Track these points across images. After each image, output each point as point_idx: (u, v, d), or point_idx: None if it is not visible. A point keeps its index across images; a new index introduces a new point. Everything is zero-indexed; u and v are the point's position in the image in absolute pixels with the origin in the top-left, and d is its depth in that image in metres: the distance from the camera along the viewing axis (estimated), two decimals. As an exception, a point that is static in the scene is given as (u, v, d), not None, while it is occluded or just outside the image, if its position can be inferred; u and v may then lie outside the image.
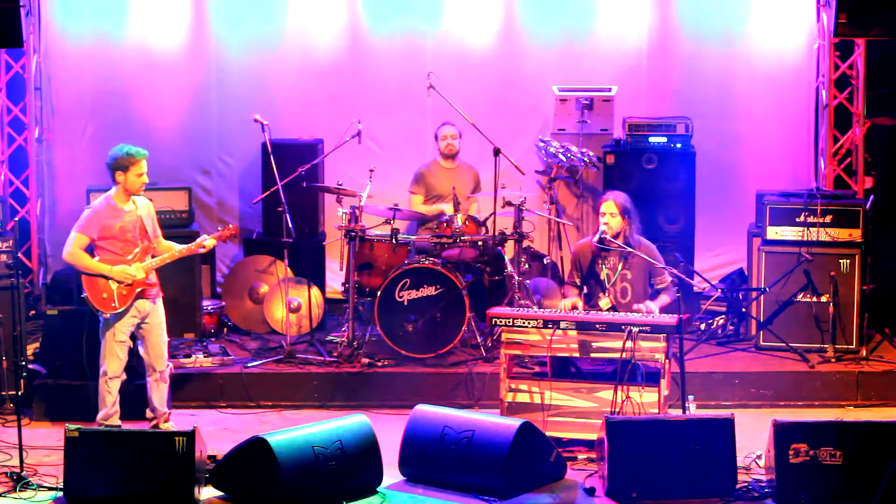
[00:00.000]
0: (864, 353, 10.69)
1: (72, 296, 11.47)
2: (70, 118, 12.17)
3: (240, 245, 12.18)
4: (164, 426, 9.38)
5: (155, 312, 9.33)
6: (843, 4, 10.75)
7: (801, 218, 10.81)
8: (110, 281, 9.13)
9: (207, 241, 9.43)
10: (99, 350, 9.28)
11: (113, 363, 9.23)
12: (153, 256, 9.29)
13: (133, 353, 9.38)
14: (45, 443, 9.32)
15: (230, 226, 9.70)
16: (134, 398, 9.83)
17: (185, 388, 10.20)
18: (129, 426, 9.23)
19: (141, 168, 9.22)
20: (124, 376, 9.34)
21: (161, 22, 12.11)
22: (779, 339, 10.76)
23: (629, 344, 9.09)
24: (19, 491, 8.57)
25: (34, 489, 8.61)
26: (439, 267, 10.55)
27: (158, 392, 9.44)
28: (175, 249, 9.39)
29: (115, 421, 9.32)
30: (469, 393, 10.25)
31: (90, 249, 9.21)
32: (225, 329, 11.40)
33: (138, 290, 9.18)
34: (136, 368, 10.07)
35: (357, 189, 10.94)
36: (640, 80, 12.19)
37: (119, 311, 9.16)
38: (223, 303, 11.50)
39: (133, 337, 9.34)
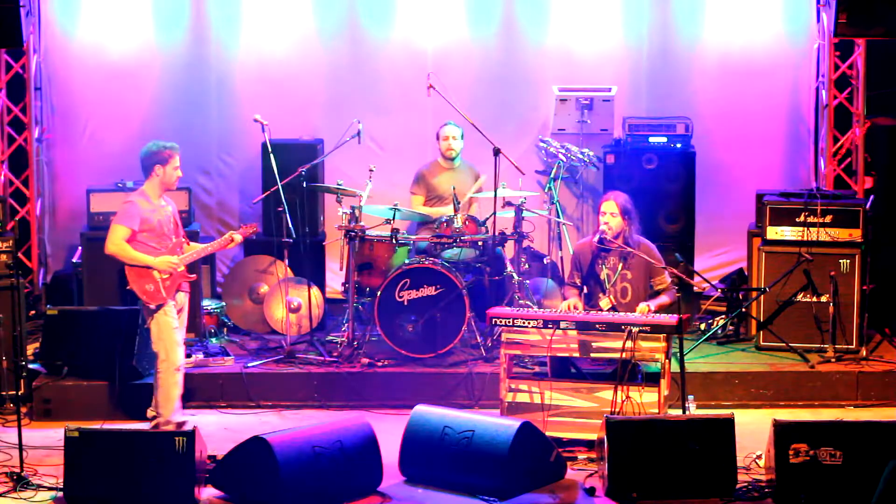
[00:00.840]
0: (864, 353, 10.69)
1: (72, 296, 11.49)
2: (70, 118, 12.17)
3: (240, 245, 12.17)
4: (166, 427, 9.40)
5: (185, 306, 9.50)
6: (843, 4, 10.75)
7: (801, 218, 10.81)
8: (153, 272, 9.22)
9: (237, 235, 9.58)
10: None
11: (178, 352, 9.33)
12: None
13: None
14: (45, 443, 9.31)
15: (252, 224, 9.81)
16: (135, 398, 9.86)
17: (186, 388, 10.19)
18: (128, 426, 9.23)
19: (177, 162, 9.36)
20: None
21: (161, 21, 12.10)
22: (779, 339, 10.76)
23: (629, 344, 9.09)
24: (19, 491, 8.57)
25: (34, 489, 8.61)
26: (439, 267, 10.55)
27: (176, 389, 9.48)
28: (207, 245, 9.55)
29: (180, 417, 9.42)
30: (469, 393, 10.25)
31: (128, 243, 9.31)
32: (225, 329, 11.39)
33: (179, 281, 9.33)
34: (136, 368, 10.10)
35: (357, 189, 10.95)
36: (640, 80, 12.19)
37: (167, 301, 9.26)
38: (223, 303, 11.50)
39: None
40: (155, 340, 9.32)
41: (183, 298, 9.44)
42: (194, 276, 9.51)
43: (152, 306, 9.25)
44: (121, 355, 10.06)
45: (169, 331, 9.29)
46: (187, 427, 8.96)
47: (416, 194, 11.47)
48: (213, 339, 11.08)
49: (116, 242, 9.22)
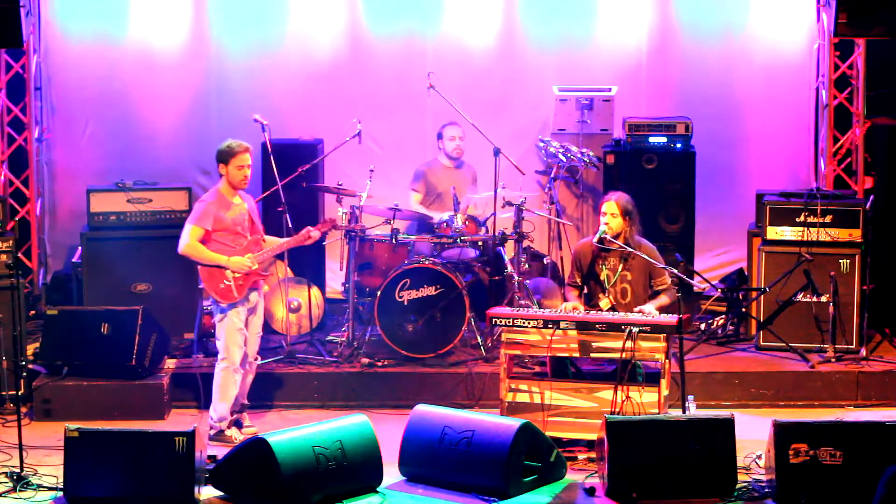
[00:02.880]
0: (864, 353, 10.69)
1: (72, 296, 11.49)
2: (70, 118, 12.18)
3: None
4: (217, 431, 9.53)
5: (260, 304, 9.57)
6: (843, 4, 10.75)
7: (801, 218, 10.81)
8: (226, 271, 9.30)
9: (313, 232, 9.64)
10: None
11: (237, 352, 9.42)
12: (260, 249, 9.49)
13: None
14: (45, 443, 9.32)
15: (330, 219, 9.91)
16: (135, 398, 9.86)
17: (186, 389, 10.20)
18: (129, 426, 9.23)
19: (241, 160, 9.44)
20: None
21: (161, 22, 12.11)
22: (779, 339, 10.76)
23: (629, 344, 9.09)
24: (19, 491, 8.57)
25: (34, 489, 8.61)
26: (439, 267, 10.56)
27: (244, 385, 9.63)
28: (283, 241, 9.63)
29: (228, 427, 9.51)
30: (469, 393, 10.25)
31: (202, 243, 9.40)
32: (225, 329, 11.38)
33: (253, 280, 9.41)
34: (135, 368, 10.09)
35: (357, 189, 10.95)
36: (640, 80, 12.19)
37: (239, 300, 9.36)
38: (223, 303, 11.49)
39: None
40: (218, 338, 9.45)
41: (255, 297, 9.51)
42: (269, 273, 9.51)
43: (224, 305, 9.35)
44: (120, 355, 10.06)
45: (232, 332, 9.39)
46: (236, 437, 9.21)
47: (416, 191, 11.47)
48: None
49: (190, 243, 9.35)
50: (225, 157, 9.41)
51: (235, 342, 9.40)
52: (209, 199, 9.44)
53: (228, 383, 9.43)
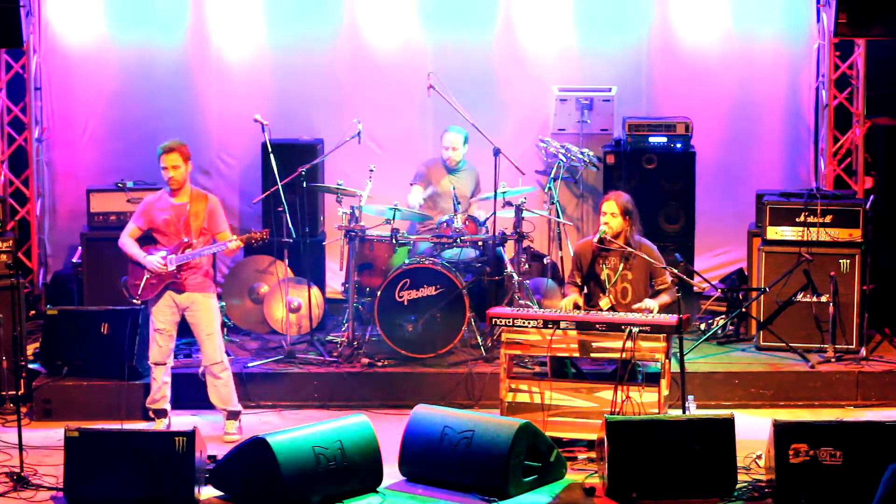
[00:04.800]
0: (864, 353, 10.69)
1: (72, 296, 11.49)
2: (70, 118, 12.17)
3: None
4: (229, 423, 9.58)
5: (197, 307, 9.51)
6: (843, 4, 10.75)
7: (801, 218, 10.81)
8: (145, 269, 9.41)
9: (232, 243, 9.50)
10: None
11: (153, 350, 9.55)
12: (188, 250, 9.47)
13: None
14: (45, 443, 9.32)
15: (262, 231, 9.73)
16: (135, 398, 9.87)
17: (186, 389, 10.19)
18: (129, 426, 9.23)
19: (163, 161, 9.49)
20: (171, 363, 9.62)
21: (161, 22, 12.10)
22: (779, 339, 10.76)
23: (629, 344, 9.09)
24: (19, 491, 8.57)
25: (34, 489, 8.61)
26: (439, 267, 10.55)
27: (214, 390, 9.59)
28: (207, 246, 9.52)
29: (163, 405, 9.60)
30: (469, 393, 10.25)
31: (152, 240, 9.51)
32: (225, 329, 11.38)
33: (169, 281, 9.39)
34: (135, 368, 10.09)
35: (357, 189, 10.95)
36: (640, 80, 12.19)
37: (148, 300, 9.45)
38: (223, 303, 11.50)
39: (146, 332, 9.61)
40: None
41: (182, 299, 9.47)
42: (184, 276, 9.40)
43: (136, 301, 9.55)
44: (120, 355, 10.06)
45: (150, 330, 9.56)
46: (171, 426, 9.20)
47: (416, 184, 11.43)
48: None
49: (121, 237, 9.59)
50: (158, 158, 9.52)
51: (153, 340, 9.52)
52: (148, 200, 9.63)
53: (150, 378, 9.60)
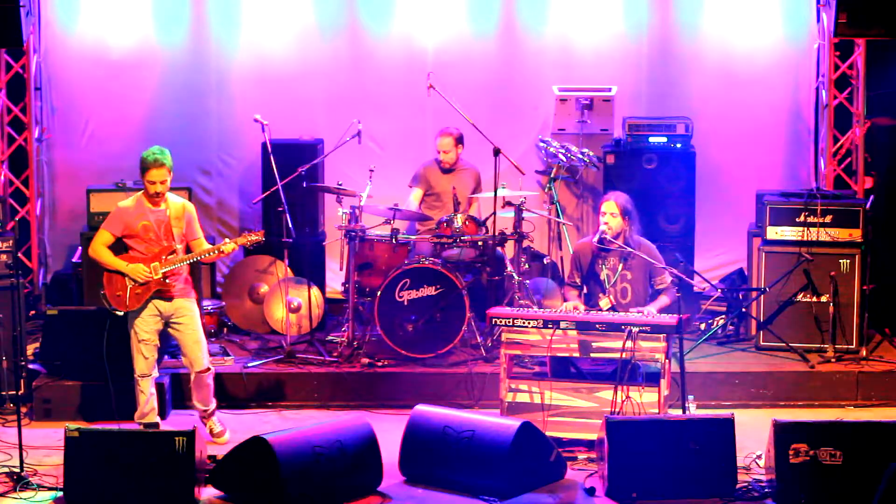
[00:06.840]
0: (864, 353, 10.69)
1: (72, 296, 11.48)
2: (70, 118, 12.17)
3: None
4: (210, 424, 9.51)
5: (182, 313, 9.37)
6: (843, 4, 10.75)
7: (801, 218, 10.81)
8: (126, 279, 9.21)
9: (227, 245, 9.42)
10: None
11: (139, 362, 9.34)
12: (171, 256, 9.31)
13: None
14: (45, 443, 9.31)
15: (258, 231, 9.61)
16: (134, 398, 9.86)
17: (186, 389, 10.19)
18: (128, 426, 9.23)
19: (150, 177, 9.21)
20: (156, 373, 9.46)
21: (161, 21, 12.10)
22: (779, 339, 10.76)
23: (629, 344, 9.09)
24: (19, 491, 8.57)
25: (34, 489, 8.61)
26: (439, 267, 10.55)
27: (199, 393, 9.54)
28: (195, 252, 9.40)
29: (153, 418, 9.43)
30: (469, 393, 10.25)
31: (124, 248, 9.29)
32: (225, 329, 11.40)
33: (155, 289, 9.24)
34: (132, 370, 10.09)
35: (357, 189, 10.95)
36: (640, 80, 12.18)
37: (133, 310, 9.24)
38: (223, 303, 11.51)
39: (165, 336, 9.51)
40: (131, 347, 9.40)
41: (167, 307, 9.31)
42: (172, 283, 9.28)
43: (119, 313, 9.28)
44: (121, 355, 10.05)
45: (134, 341, 9.33)
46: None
47: (415, 188, 11.44)
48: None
49: (93, 246, 9.30)
50: (140, 169, 9.23)
51: (138, 352, 9.30)
52: (124, 206, 9.31)
53: (136, 392, 9.38)
